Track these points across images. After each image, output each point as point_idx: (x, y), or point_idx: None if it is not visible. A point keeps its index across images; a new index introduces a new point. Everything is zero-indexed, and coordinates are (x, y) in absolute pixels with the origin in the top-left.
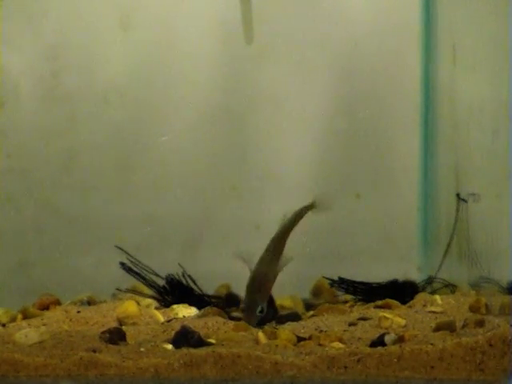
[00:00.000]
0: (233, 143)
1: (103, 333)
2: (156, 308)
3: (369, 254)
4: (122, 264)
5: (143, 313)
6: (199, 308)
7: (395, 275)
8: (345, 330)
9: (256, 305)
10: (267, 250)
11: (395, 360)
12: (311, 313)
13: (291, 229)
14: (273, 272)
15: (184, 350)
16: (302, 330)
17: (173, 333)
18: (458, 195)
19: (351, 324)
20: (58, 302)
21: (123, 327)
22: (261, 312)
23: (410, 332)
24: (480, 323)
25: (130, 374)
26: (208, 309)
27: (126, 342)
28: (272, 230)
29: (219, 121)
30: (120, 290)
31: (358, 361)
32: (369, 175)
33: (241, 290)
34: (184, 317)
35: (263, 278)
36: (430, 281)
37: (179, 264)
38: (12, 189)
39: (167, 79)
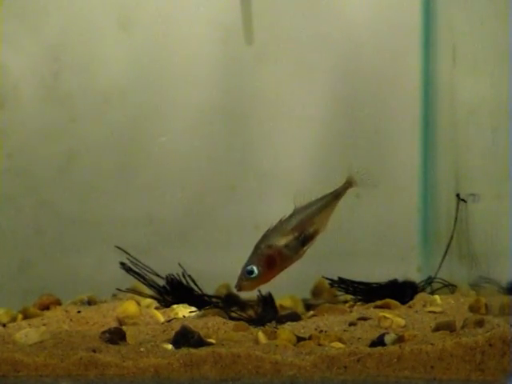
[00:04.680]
0: (232, 143)
1: (103, 333)
2: (156, 308)
3: (369, 254)
4: (122, 264)
5: (143, 313)
6: (199, 308)
7: (395, 275)
8: (345, 330)
9: (246, 265)
10: (290, 220)
11: (395, 360)
12: (311, 313)
13: (325, 209)
14: (284, 248)
15: (184, 350)
16: (302, 330)
17: (173, 333)
18: (457, 195)
19: (351, 324)
20: (58, 302)
21: (123, 327)
22: (249, 273)
23: (410, 332)
24: (480, 323)
25: (130, 374)
26: (208, 309)
27: (126, 341)
28: None
29: (219, 121)
30: (120, 290)
31: (358, 361)
32: (369, 175)
33: None
34: (184, 317)
35: (269, 247)
36: (429, 281)
37: (179, 264)
38: (12, 189)
39: (167, 79)
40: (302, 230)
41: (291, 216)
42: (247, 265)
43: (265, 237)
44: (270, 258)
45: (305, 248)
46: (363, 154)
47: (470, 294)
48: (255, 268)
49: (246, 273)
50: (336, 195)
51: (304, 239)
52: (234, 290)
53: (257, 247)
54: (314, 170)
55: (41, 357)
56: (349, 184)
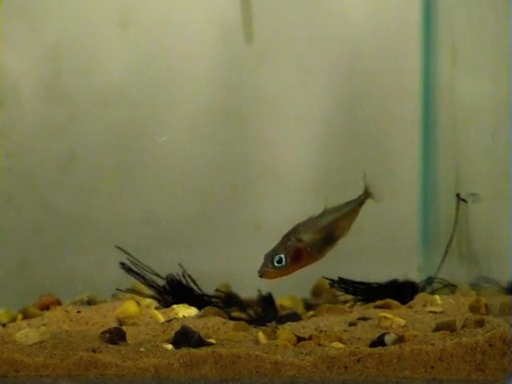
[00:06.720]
0: (233, 143)
1: (103, 333)
2: (156, 308)
3: (369, 253)
4: (122, 264)
5: (143, 313)
6: (199, 308)
7: (395, 275)
8: (345, 330)
9: (274, 253)
10: (320, 219)
11: (395, 360)
12: (311, 313)
13: (351, 214)
14: (312, 245)
15: (184, 350)
16: (302, 330)
17: (173, 333)
18: (457, 195)
19: (351, 324)
20: (58, 302)
21: (123, 327)
22: (279, 262)
23: (410, 332)
24: (480, 323)
25: (130, 374)
26: (208, 309)
27: (126, 341)
28: (272, 230)
29: (219, 121)
30: (120, 290)
31: (358, 361)
32: (369, 175)
33: (241, 290)
34: (184, 317)
35: (299, 241)
36: (429, 281)
37: (179, 264)
38: (12, 189)
39: (167, 79)
40: (330, 231)
41: (321, 215)
42: (275, 253)
43: (295, 230)
44: (299, 252)
45: (327, 249)
46: (363, 154)
47: (470, 293)
48: (284, 257)
49: (276, 261)
50: (360, 202)
51: (329, 240)
52: (257, 276)
53: (287, 238)
54: (314, 170)
55: (41, 357)
56: (367, 195)
